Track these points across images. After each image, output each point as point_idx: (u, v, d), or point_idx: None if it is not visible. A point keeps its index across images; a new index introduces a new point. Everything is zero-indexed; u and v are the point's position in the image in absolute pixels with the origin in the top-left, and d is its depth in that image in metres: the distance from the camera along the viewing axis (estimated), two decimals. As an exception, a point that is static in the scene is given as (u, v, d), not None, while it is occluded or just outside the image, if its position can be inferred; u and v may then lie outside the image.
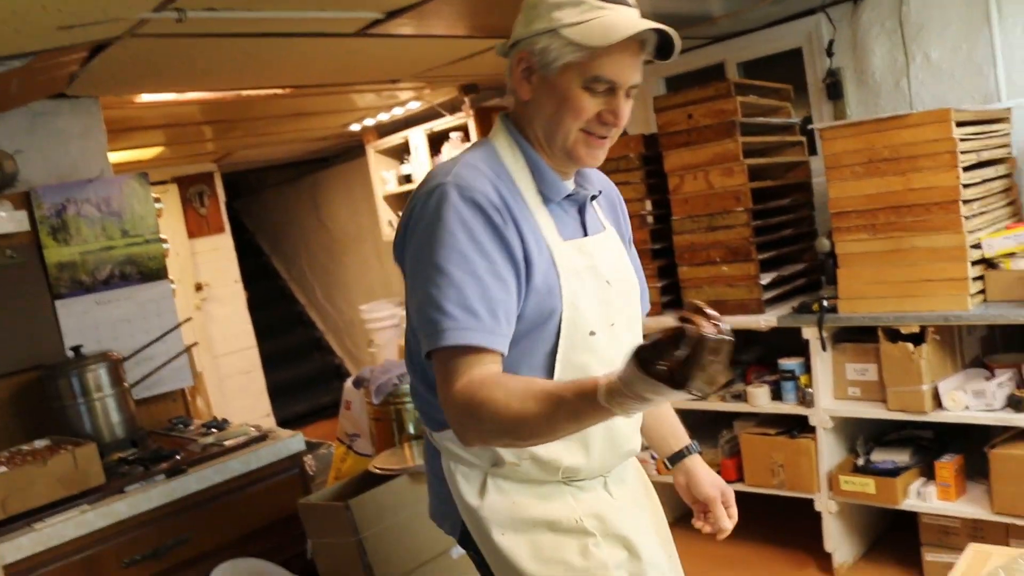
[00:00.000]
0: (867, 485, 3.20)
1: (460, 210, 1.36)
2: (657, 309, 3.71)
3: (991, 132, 3.13)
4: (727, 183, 3.40)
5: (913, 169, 2.94)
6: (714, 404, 3.66)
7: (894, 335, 3.07)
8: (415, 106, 5.26)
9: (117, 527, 2.48)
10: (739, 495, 3.69)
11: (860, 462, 3.31)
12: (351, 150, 6.87)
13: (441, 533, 1.66)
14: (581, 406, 1.21)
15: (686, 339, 1.09)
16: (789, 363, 3.42)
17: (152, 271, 3.29)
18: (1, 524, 2.33)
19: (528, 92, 1.46)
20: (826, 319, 3.19)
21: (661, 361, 1.10)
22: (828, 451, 3.34)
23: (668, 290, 3.73)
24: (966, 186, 2.90)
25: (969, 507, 3.03)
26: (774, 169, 3.71)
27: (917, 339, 3.02)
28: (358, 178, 6.85)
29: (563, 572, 1.48)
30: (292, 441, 2.91)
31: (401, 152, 5.91)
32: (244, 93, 3.85)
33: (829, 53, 3.79)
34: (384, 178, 6.07)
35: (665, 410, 1.82)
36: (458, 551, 1.63)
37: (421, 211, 1.40)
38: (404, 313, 5.23)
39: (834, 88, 3.81)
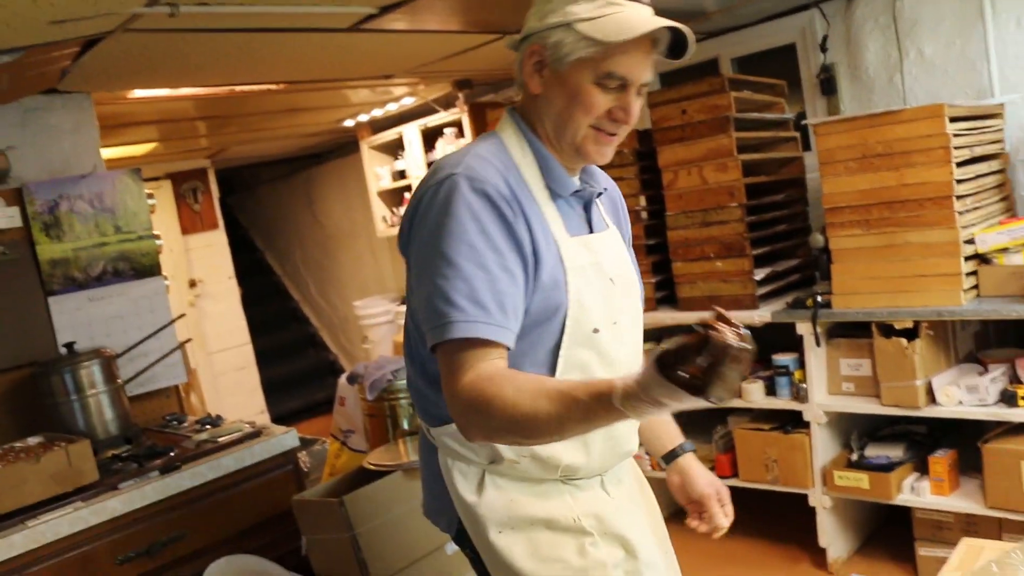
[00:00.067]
0: (861, 480, 3.21)
1: (470, 201, 1.34)
2: (651, 305, 3.71)
3: (984, 128, 3.14)
4: (721, 179, 3.41)
5: (906, 164, 2.95)
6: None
7: (888, 330, 3.08)
8: (409, 102, 5.25)
9: (111, 524, 2.47)
10: (733, 491, 3.69)
11: (854, 457, 3.32)
12: (345, 146, 6.86)
13: (435, 529, 1.65)
14: (594, 408, 1.20)
15: (710, 347, 1.09)
16: (783, 359, 3.43)
17: (145, 267, 3.28)
18: (-6, 521, 2.32)
19: (539, 86, 1.45)
20: (820, 314, 3.20)
21: (683, 367, 1.10)
22: (822, 446, 3.34)
23: (662, 285, 3.73)
24: (959, 181, 2.91)
25: (962, 502, 3.04)
26: (768, 165, 3.71)
27: (911, 334, 3.03)
28: (352, 174, 6.84)
29: (560, 571, 1.47)
30: (286, 437, 2.90)
31: (395, 148, 5.91)
32: (238, 88, 3.84)
33: (823, 49, 3.79)
34: (378, 174, 6.06)
35: None
36: (453, 547, 1.62)
37: (430, 202, 1.38)
38: (398, 309, 5.23)
39: (828, 84, 3.82)
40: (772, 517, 3.78)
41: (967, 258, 2.93)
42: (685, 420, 3.92)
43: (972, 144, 3.03)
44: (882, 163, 3.00)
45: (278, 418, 6.90)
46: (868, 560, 3.45)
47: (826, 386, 3.33)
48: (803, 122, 3.67)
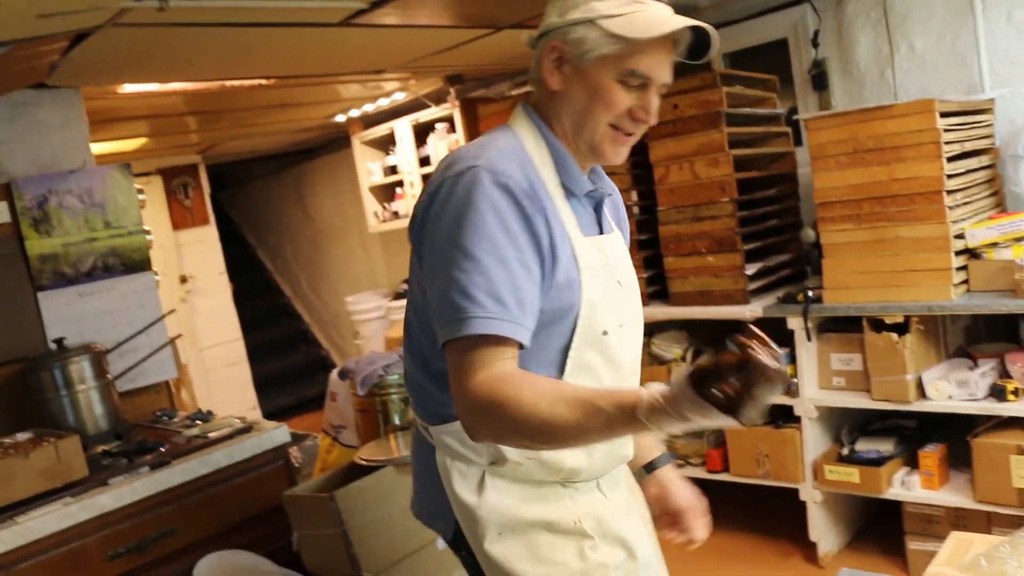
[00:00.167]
0: (851, 474, 3.22)
1: (491, 195, 1.31)
2: (643, 300, 3.70)
3: (974, 123, 3.14)
4: (713, 173, 3.41)
5: (897, 159, 2.95)
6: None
7: (878, 325, 3.09)
8: (400, 97, 5.24)
9: (101, 520, 2.46)
10: (724, 485, 3.73)
11: (845, 452, 3.33)
12: (336, 141, 6.84)
13: (427, 526, 1.65)
14: (617, 418, 1.18)
15: (749, 367, 1.09)
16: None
17: (135, 263, 3.27)
18: (-17, 517, 2.31)
19: (558, 82, 1.43)
20: (811, 309, 3.20)
21: (719, 386, 1.09)
22: (813, 441, 3.35)
23: (653, 280, 3.74)
24: (950, 176, 2.91)
25: (952, 496, 3.06)
26: (759, 160, 3.71)
27: (901, 329, 3.04)
28: (343, 169, 6.82)
29: (560, 573, 1.45)
30: (277, 432, 2.90)
31: (386, 143, 5.89)
32: (228, 83, 3.83)
33: (814, 44, 3.80)
34: (370, 169, 6.05)
35: None
36: (443, 543, 1.60)
37: (448, 193, 1.34)
38: (390, 305, 5.19)
39: (819, 79, 3.82)
40: (763, 511, 3.79)
41: (957, 253, 2.94)
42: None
43: (962, 139, 3.04)
44: (873, 158, 3.00)
45: (269, 414, 6.88)
46: (858, 554, 3.46)
47: (817, 381, 3.34)
48: (795, 117, 3.68)
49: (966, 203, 3.05)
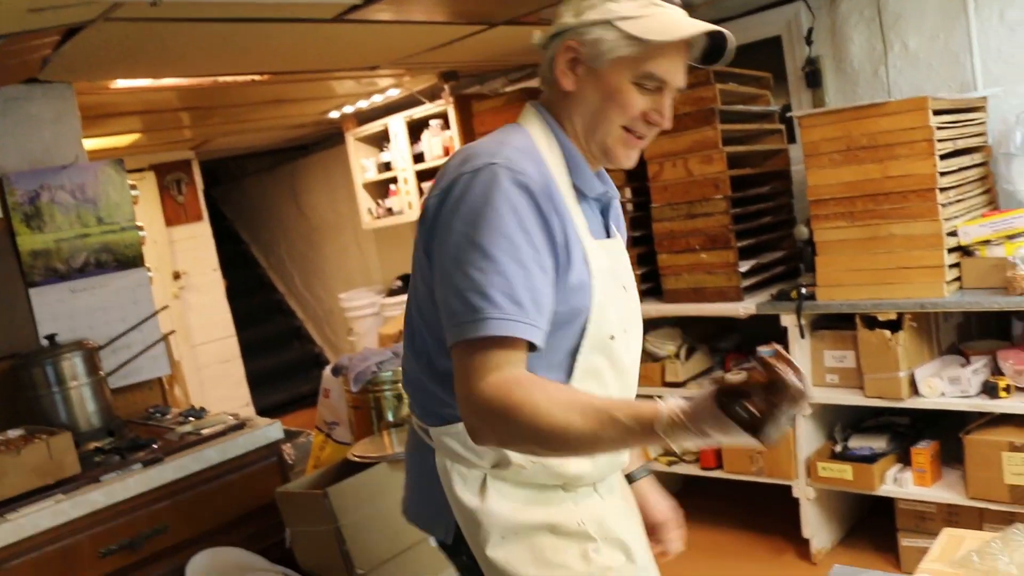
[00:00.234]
0: (844, 471, 3.22)
1: (510, 194, 1.28)
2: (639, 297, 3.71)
3: (967, 121, 3.15)
4: (706, 171, 3.41)
5: (890, 157, 2.96)
6: (693, 392, 3.67)
7: (871, 322, 3.09)
8: (394, 93, 5.23)
9: (93, 517, 2.46)
10: (718, 482, 3.74)
11: (838, 449, 3.34)
12: (330, 137, 6.83)
13: (420, 521, 1.64)
14: (634, 431, 1.16)
15: (776, 387, 1.08)
16: (767, 350, 3.43)
17: (128, 259, 3.26)
18: (-26, 514, 2.30)
19: (572, 83, 1.41)
20: (804, 306, 3.21)
21: (744, 405, 1.09)
22: (806, 438, 3.36)
23: (647, 277, 3.74)
24: (943, 174, 2.92)
25: (944, 492, 3.06)
26: (753, 157, 3.71)
27: (894, 326, 3.05)
28: (337, 166, 6.81)
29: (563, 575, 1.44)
30: (270, 429, 2.89)
31: (380, 140, 5.88)
32: (221, 79, 3.81)
33: (808, 41, 3.80)
34: (363, 166, 6.04)
35: None
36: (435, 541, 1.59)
37: (465, 190, 1.31)
38: (384, 301, 5.17)
39: (813, 76, 3.82)
40: (756, 508, 3.80)
41: (950, 250, 2.95)
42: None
43: (955, 137, 3.04)
44: (866, 155, 3.01)
45: (263, 411, 6.87)
46: (851, 551, 3.47)
47: (810, 377, 3.34)
48: (788, 114, 3.68)
49: (959, 201, 3.05)
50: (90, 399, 2.88)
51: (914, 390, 3.06)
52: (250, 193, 8.50)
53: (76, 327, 3.11)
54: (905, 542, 3.22)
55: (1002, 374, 2.94)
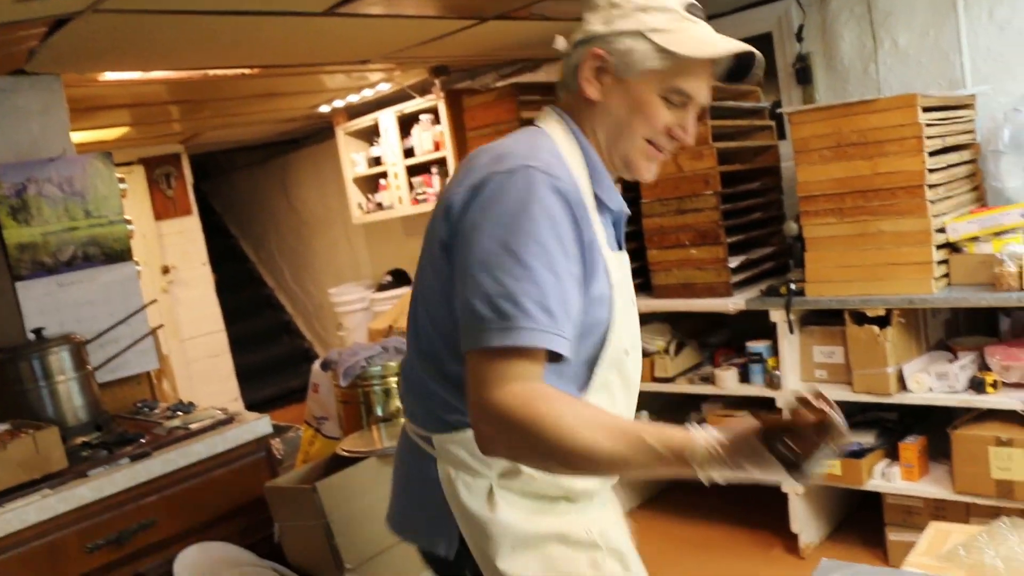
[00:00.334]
0: (833, 466, 3.24)
1: (546, 199, 1.25)
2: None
3: (956, 118, 3.16)
4: (696, 166, 3.41)
5: (880, 154, 2.97)
6: (682, 387, 3.68)
7: (860, 318, 3.11)
8: (385, 88, 5.22)
9: (80, 512, 2.44)
10: (707, 477, 3.73)
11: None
12: (321, 132, 6.81)
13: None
14: (663, 457, 1.13)
15: (823, 429, 1.10)
16: (757, 346, 3.45)
17: (116, 252, 3.24)
18: (-40, 509, 2.29)
19: (597, 92, 1.38)
20: (793, 302, 3.22)
21: (789, 443, 1.09)
22: (794, 433, 3.36)
23: (636, 273, 3.73)
24: (931, 171, 2.93)
25: (931, 487, 3.08)
26: (743, 153, 3.72)
27: (883, 322, 3.06)
28: (328, 160, 6.79)
29: None
30: (259, 424, 2.88)
31: (371, 134, 5.87)
32: (211, 72, 3.79)
33: (799, 38, 3.81)
34: (354, 160, 6.02)
35: None
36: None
37: (498, 191, 1.26)
38: (373, 296, 5.14)
39: (803, 73, 3.83)
40: (745, 503, 3.81)
41: (938, 247, 2.96)
42: (658, 407, 3.92)
43: (944, 134, 3.06)
44: (856, 152, 3.01)
45: (252, 405, 6.86)
46: (839, 545, 3.48)
47: (799, 373, 3.36)
48: (778, 111, 3.68)
49: (947, 197, 3.07)
50: (77, 393, 2.86)
51: (902, 385, 3.07)
52: (240, 187, 8.47)
53: (63, 321, 3.09)
54: (893, 536, 3.24)
55: (989, 370, 2.96)
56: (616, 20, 1.36)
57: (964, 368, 2.99)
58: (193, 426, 2.80)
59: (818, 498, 3.49)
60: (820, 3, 3.76)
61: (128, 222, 3.29)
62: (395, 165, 5.58)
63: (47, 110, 3.20)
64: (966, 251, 2.98)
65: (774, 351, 3.38)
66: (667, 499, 4.07)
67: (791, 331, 3.27)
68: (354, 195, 6.11)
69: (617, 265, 1.42)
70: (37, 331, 2.90)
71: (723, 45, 1.35)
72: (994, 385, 2.90)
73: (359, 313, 6.37)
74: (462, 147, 4.89)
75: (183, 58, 3.47)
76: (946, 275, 3.01)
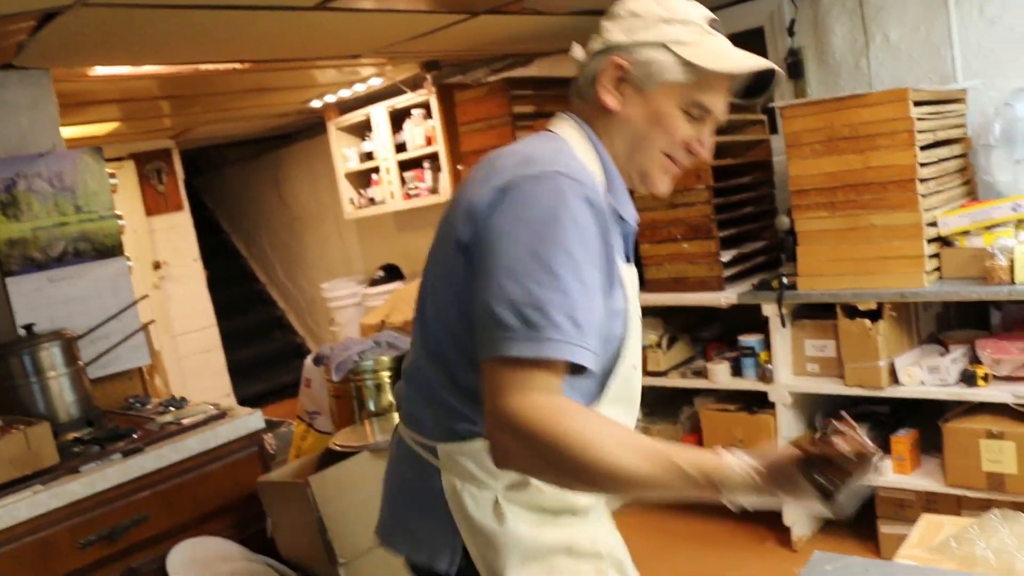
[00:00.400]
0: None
1: (575, 209, 1.22)
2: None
3: (947, 112, 3.17)
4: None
5: (871, 147, 2.97)
6: (675, 381, 3.69)
7: (852, 312, 3.11)
8: (377, 83, 5.20)
9: (72, 508, 2.43)
10: (699, 471, 3.72)
11: (818, 437, 3.35)
12: (312, 127, 6.79)
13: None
14: (694, 480, 1.11)
15: (862, 459, 1.11)
16: (749, 340, 3.46)
17: (107, 248, 3.23)
18: (-49, 505, 2.28)
19: (616, 103, 1.36)
20: (785, 296, 3.22)
21: (828, 474, 1.10)
22: (787, 427, 3.38)
23: (630, 268, 3.74)
24: (923, 165, 2.94)
25: (923, 480, 3.10)
26: (735, 147, 3.72)
27: (874, 316, 3.07)
28: (319, 155, 6.78)
29: None
30: (251, 419, 2.88)
31: (362, 129, 5.86)
32: (202, 67, 3.78)
33: (790, 32, 3.81)
34: (345, 155, 6.01)
35: None
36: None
37: (527, 196, 1.22)
38: (365, 291, 5.11)
39: (795, 67, 3.83)
40: (737, 497, 3.82)
41: (930, 240, 2.97)
42: (651, 400, 3.92)
43: (935, 128, 3.06)
44: (848, 146, 3.02)
45: (244, 401, 6.84)
46: (831, 538, 3.50)
47: (791, 367, 3.36)
48: (770, 105, 3.69)
49: (938, 191, 3.08)
50: (69, 389, 2.85)
51: (894, 379, 3.08)
52: (231, 183, 8.44)
53: (54, 317, 3.08)
54: (884, 529, 3.25)
55: (980, 363, 2.97)
56: (638, 31, 1.35)
57: (955, 361, 3.00)
58: (185, 421, 2.80)
59: (810, 491, 3.49)
60: (812, -3, 3.77)
61: (119, 217, 3.28)
62: (387, 160, 5.57)
63: (36, 105, 3.18)
64: (957, 245, 2.99)
65: (766, 345, 3.39)
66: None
67: (783, 325, 3.27)
68: (346, 190, 6.10)
69: (630, 279, 1.41)
70: (28, 327, 2.89)
71: (747, 61, 1.34)
72: (985, 378, 2.91)
73: (351, 308, 6.36)
74: (454, 142, 4.88)
75: (174, 53, 3.45)
76: (937, 269, 3.02)
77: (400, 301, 5.13)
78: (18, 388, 2.79)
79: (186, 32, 3.07)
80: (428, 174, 5.39)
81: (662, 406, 3.83)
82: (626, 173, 1.41)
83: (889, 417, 3.38)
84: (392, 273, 6.26)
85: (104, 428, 2.82)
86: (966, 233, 2.98)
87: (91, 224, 3.19)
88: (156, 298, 6.27)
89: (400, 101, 5.30)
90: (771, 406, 3.39)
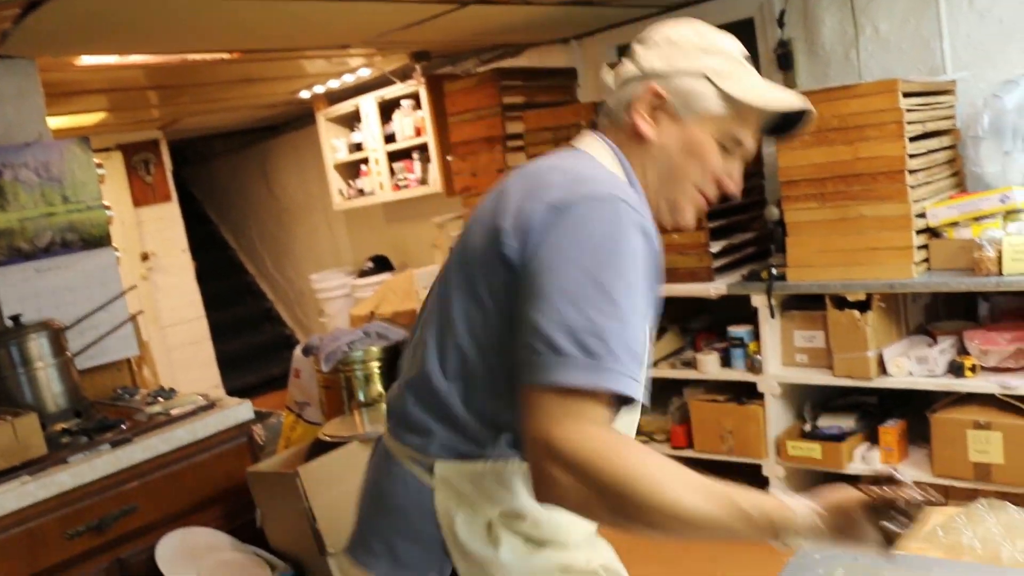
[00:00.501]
0: (813, 450, 3.26)
1: (633, 238, 1.18)
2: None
3: (936, 104, 3.18)
4: (679, 152, 3.41)
5: (861, 139, 2.98)
6: (664, 371, 3.70)
7: (841, 302, 3.12)
8: (366, 73, 5.18)
9: (60, 499, 2.42)
10: (688, 461, 3.74)
11: (807, 428, 3.37)
12: (301, 118, 6.76)
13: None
14: (759, 525, 1.10)
15: (918, 508, 1.16)
16: (738, 330, 3.46)
17: (95, 239, 3.21)
18: (-62, 496, 2.26)
19: (651, 131, 1.33)
20: (775, 287, 3.23)
21: (892, 522, 1.14)
22: (776, 417, 3.39)
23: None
24: (912, 156, 2.95)
25: (911, 470, 3.11)
26: (725, 139, 3.72)
27: (863, 306, 3.08)
28: (308, 146, 6.75)
29: None
30: (240, 409, 2.87)
31: (352, 120, 5.84)
32: (190, 57, 3.75)
33: (780, 24, 3.81)
34: (334, 146, 5.99)
35: None
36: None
37: (586, 219, 1.17)
38: (355, 282, 5.09)
39: (785, 58, 3.83)
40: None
41: (918, 232, 2.98)
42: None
43: (924, 120, 3.07)
44: (837, 137, 3.03)
45: (233, 393, 6.78)
46: (819, 528, 3.51)
47: (780, 357, 3.37)
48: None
49: (927, 183, 3.09)
50: (56, 380, 2.83)
51: (882, 370, 3.10)
52: (220, 174, 8.41)
53: (42, 307, 3.06)
54: (872, 519, 3.26)
55: (968, 354, 2.98)
56: (677, 59, 1.32)
57: (943, 352, 3.01)
58: (174, 412, 2.79)
59: (799, 482, 3.51)
60: (802, -11, 3.77)
61: (107, 208, 3.26)
62: (376, 151, 5.55)
63: (22, 94, 3.15)
64: (946, 236, 3.01)
65: (755, 336, 3.39)
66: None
67: (772, 316, 3.28)
68: (335, 181, 6.08)
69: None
70: (15, 318, 2.87)
71: (787, 99, 1.32)
72: (973, 369, 2.93)
73: (340, 299, 6.35)
74: (443, 132, 4.86)
75: (161, 42, 3.43)
76: (926, 260, 3.03)
77: (389, 292, 5.12)
78: (5, 379, 2.77)
79: (173, 21, 3.04)
80: (417, 165, 5.37)
81: (651, 396, 3.84)
82: (655, 204, 1.37)
83: (877, 407, 3.39)
84: (381, 264, 6.25)
85: (92, 419, 2.81)
86: (955, 224, 2.99)
87: (79, 214, 3.17)
88: (144, 289, 6.24)
89: (389, 92, 5.28)
90: (760, 396, 3.40)
